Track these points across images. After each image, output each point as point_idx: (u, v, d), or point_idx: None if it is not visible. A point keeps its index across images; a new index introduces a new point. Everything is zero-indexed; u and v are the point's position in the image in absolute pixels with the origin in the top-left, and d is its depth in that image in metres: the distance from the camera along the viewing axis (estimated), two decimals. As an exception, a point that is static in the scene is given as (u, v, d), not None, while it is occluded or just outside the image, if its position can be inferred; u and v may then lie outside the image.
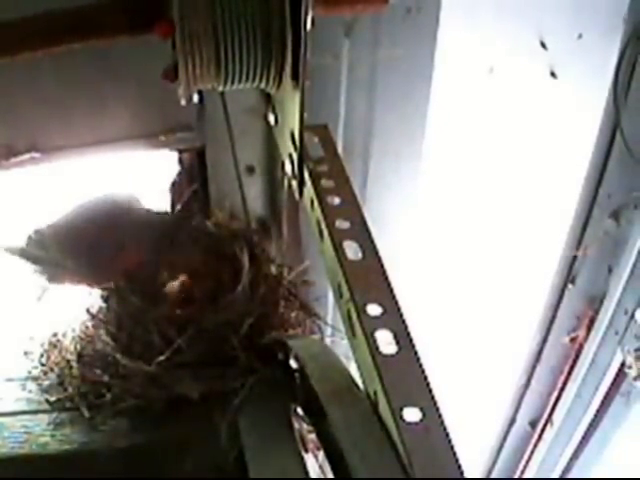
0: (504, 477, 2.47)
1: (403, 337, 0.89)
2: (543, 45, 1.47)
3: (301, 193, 1.10)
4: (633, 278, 1.73)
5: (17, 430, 1.20)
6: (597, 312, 1.89)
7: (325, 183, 1.09)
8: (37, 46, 0.93)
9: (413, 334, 0.89)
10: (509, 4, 1.40)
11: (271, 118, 1.13)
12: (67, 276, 1.28)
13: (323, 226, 1.04)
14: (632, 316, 1.75)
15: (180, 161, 1.48)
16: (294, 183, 1.09)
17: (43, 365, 1.32)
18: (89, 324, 1.32)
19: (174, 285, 1.25)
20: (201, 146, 1.43)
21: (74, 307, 1.35)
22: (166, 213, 1.48)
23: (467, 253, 1.76)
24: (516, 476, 2.43)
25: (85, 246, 1.27)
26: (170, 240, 1.31)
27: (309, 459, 1.22)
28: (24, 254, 1.26)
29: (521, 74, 1.50)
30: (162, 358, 1.18)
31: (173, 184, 1.51)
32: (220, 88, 0.98)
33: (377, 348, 0.87)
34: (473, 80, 1.49)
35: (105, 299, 1.31)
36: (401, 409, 0.81)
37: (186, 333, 1.20)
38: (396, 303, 0.93)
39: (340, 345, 1.24)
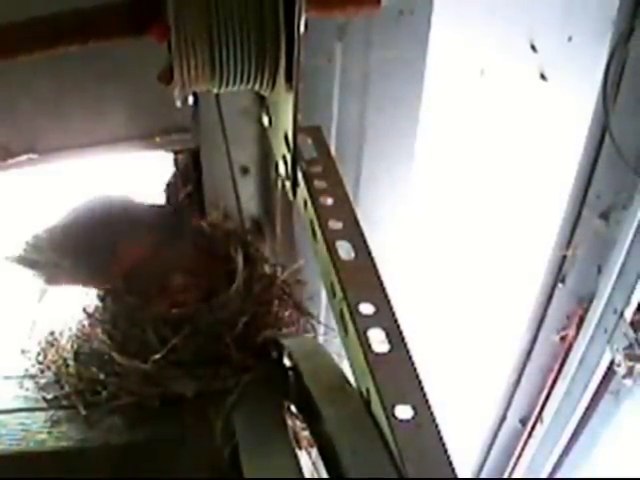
0: (495, 475, 2.48)
1: (395, 335, 0.89)
2: (533, 48, 1.48)
3: (295, 194, 1.10)
4: (622, 278, 1.73)
5: (14, 427, 1.20)
6: (586, 311, 1.90)
7: (318, 184, 1.09)
8: (34, 48, 0.93)
9: (405, 332, 0.90)
10: (500, 7, 1.41)
11: (265, 120, 1.13)
12: (64, 277, 1.29)
13: (316, 226, 1.04)
14: (621, 315, 1.75)
15: (175, 162, 1.49)
16: (288, 184, 1.09)
17: (40, 363, 1.33)
18: (86, 323, 1.33)
19: (171, 284, 1.26)
20: (196, 147, 1.43)
21: (71, 306, 1.36)
22: (162, 207, 1.48)
23: (458, 253, 1.77)
24: (507, 473, 2.44)
25: (81, 247, 1.27)
26: (165, 240, 1.32)
27: (303, 456, 1.22)
28: (22, 260, 1.27)
29: (511, 76, 1.52)
30: (157, 357, 1.19)
31: (168, 185, 1.51)
32: (215, 90, 0.98)
33: (369, 346, 0.87)
34: (464, 82, 1.50)
35: (101, 298, 1.32)
36: (393, 407, 0.82)
37: (181, 332, 1.21)
38: (388, 302, 0.93)
39: (333, 343, 1.25)
